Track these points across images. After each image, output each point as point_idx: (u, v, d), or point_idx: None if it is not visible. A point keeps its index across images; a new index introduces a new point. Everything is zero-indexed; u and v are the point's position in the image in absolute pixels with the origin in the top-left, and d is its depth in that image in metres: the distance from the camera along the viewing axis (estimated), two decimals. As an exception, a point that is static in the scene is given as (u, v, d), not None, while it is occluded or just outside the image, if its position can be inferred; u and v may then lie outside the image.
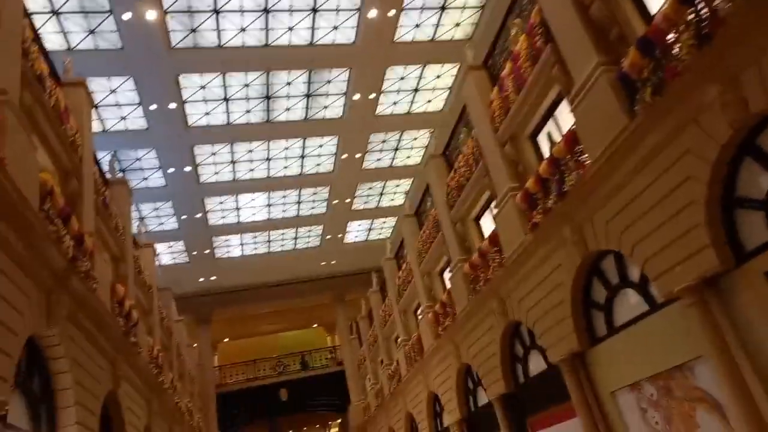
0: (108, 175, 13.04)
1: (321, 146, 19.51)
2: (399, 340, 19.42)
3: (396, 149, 20.51)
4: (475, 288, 12.29)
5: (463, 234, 13.63)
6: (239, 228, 23.02)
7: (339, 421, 46.52)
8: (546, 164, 8.86)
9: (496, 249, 11.15)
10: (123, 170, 17.64)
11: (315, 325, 33.73)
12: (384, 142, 19.90)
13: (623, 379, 8.41)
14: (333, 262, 27.73)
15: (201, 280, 26.19)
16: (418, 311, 17.97)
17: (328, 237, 25.43)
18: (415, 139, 20.26)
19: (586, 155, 8.04)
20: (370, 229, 26.02)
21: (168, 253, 23.62)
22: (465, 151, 12.54)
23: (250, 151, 18.89)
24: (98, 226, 10.02)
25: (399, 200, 23.24)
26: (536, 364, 11.07)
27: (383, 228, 26.10)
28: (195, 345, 26.48)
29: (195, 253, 23.97)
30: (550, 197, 8.98)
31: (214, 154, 18.65)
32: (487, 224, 12.97)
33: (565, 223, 8.69)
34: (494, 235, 11.22)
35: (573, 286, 8.93)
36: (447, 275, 15.52)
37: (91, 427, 7.74)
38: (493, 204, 11.79)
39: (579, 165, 8.12)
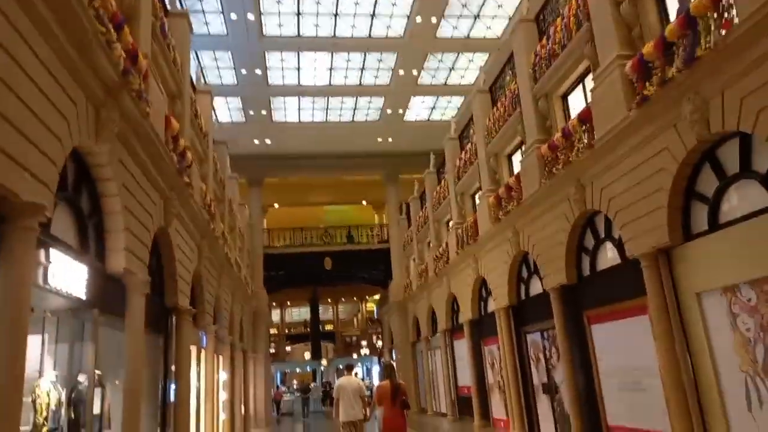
0: (168, 6, 12.05)
1: (394, 4, 17.58)
2: (451, 222, 18.84)
3: (476, 16, 18.33)
4: (550, 171, 11.17)
5: (546, 112, 12.23)
6: (298, 90, 21.99)
7: (377, 297, 48.54)
8: (677, 23, 7.26)
9: (586, 128, 9.85)
10: (183, 5, 16.49)
11: (363, 202, 33.62)
12: (464, 6, 17.75)
13: (716, 280, 7.44)
14: (390, 140, 26.72)
15: (256, 142, 25.85)
16: (477, 195, 17.09)
17: (389, 112, 24.17)
18: (500, 6, 17.97)
19: (733, 12, 6.46)
20: (433, 108, 24.51)
21: (224, 110, 23.07)
22: (565, 12, 10.78)
23: (318, 2, 17.27)
24: (154, 52, 9.22)
25: (470, 77, 21.39)
26: (607, 257, 10.20)
27: (447, 108, 24.54)
28: (246, 206, 26.86)
29: (252, 112, 23.34)
30: (671, 66, 7.49)
31: (279, 1, 17.16)
32: (577, 102, 11.52)
33: (685, 97, 7.29)
34: (586, 112, 9.85)
35: (678, 173, 7.72)
36: (517, 158, 14.37)
37: (140, 257, 7.48)
38: (590, 75, 10.31)
39: (725, 23, 6.54)
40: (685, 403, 7.80)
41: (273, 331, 47.20)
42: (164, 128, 8.51)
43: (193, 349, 12.26)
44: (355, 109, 24.05)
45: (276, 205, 32.23)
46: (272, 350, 45.85)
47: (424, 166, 24.54)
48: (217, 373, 15.46)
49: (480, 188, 16.30)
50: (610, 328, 10.11)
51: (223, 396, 16.06)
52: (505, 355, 14.16)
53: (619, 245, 9.68)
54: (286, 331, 49.64)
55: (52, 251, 5.32)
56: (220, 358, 16.17)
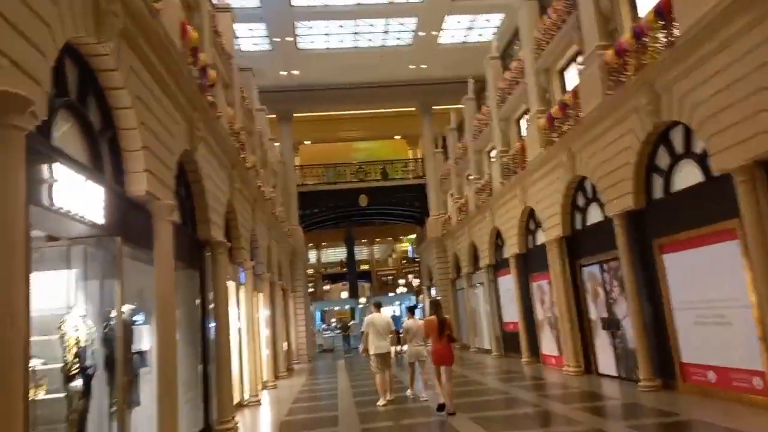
0: None
1: None
2: (494, 152, 17.59)
3: None
4: (617, 80, 9.79)
5: (609, 12, 10.69)
6: (325, 12, 20.44)
7: (411, 236, 48.01)
8: None
9: (665, 24, 8.39)
10: None
11: (397, 137, 32.32)
12: None
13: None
14: (423, 66, 25.04)
15: (283, 73, 24.62)
16: (525, 118, 15.75)
17: (422, 34, 22.42)
18: None
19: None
20: (470, 29, 22.62)
21: (249, 37, 21.79)
22: None
23: None
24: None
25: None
26: (685, 177, 8.95)
27: (485, 29, 22.60)
28: (277, 144, 26.03)
29: (277, 39, 21.96)
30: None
31: None
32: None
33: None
34: (664, 4, 8.37)
35: (792, 66, 6.38)
36: (571, 73, 12.92)
37: (164, 180, 6.72)
38: None
39: None
40: (787, 336, 6.78)
41: (310, 271, 47.64)
42: (180, 37, 7.49)
43: (231, 285, 11.77)
44: (386, 32, 22.37)
45: (307, 142, 31.31)
46: (310, 290, 46.51)
47: (460, 95, 23.04)
48: (257, 310, 15.14)
49: (527, 111, 14.94)
50: (686, 258, 9.00)
51: (265, 333, 15.81)
52: (559, 289, 13.25)
53: (702, 161, 8.42)
54: (323, 271, 49.94)
55: (57, 166, 4.50)
56: (260, 295, 15.81)
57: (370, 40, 22.78)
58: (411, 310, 10.41)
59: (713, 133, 7.69)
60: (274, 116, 26.64)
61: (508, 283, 17.90)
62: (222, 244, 10.10)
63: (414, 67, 24.92)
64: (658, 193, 9.68)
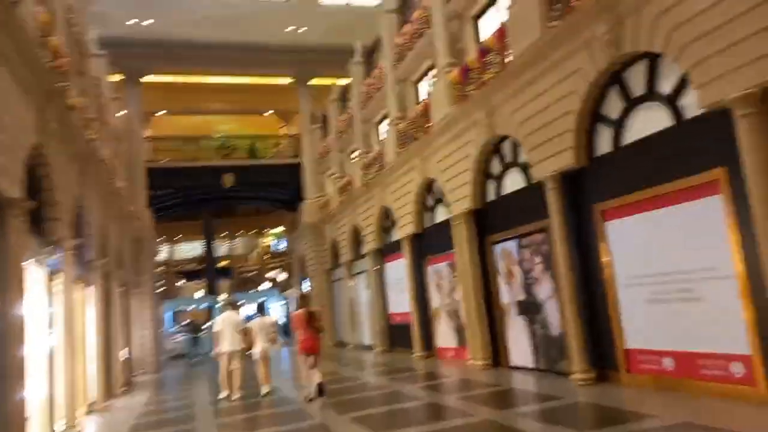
0: None
1: None
2: (388, 119, 15.49)
3: None
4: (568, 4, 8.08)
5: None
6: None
7: (278, 229, 44.69)
8: None
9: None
10: None
11: (269, 112, 28.97)
12: None
13: None
14: (302, 30, 22.31)
15: (132, 21, 20.30)
16: (426, 78, 13.83)
17: (302, -11, 19.75)
18: None
19: None
20: (357, -12, 20.40)
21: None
22: None
23: None
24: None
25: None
26: (646, 124, 7.42)
27: (374, -8, 20.52)
28: (125, 112, 21.51)
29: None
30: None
31: None
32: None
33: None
34: None
35: None
36: (495, 15, 11.18)
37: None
38: None
39: None
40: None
41: (162, 267, 42.26)
42: None
43: (38, 271, 8.21)
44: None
45: (163, 112, 26.83)
46: (161, 287, 41.08)
47: (341, 69, 20.73)
48: (83, 309, 11.43)
49: (431, 68, 13.04)
50: (638, 224, 7.52)
51: (92, 339, 12.06)
52: (465, 271, 11.45)
53: (672, 101, 6.95)
54: (178, 267, 44.73)
55: None
56: (89, 289, 12.04)
57: (241, -12, 19.53)
58: (260, 308, 11.05)
59: (698, 62, 6.16)
60: (121, 77, 22.11)
61: (397, 269, 15.94)
62: (15, 204, 6.65)
63: (292, 28, 22.05)
64: (604, 148, 8.14)
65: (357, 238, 19.61)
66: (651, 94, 7.27)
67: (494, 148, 10.79)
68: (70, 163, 9.81)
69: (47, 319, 8.66)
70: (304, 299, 9.95)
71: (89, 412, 10.75)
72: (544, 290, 9.63)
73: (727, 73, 5.79)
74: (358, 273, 19.47)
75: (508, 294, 10.73)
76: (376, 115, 17.22)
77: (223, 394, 10.49)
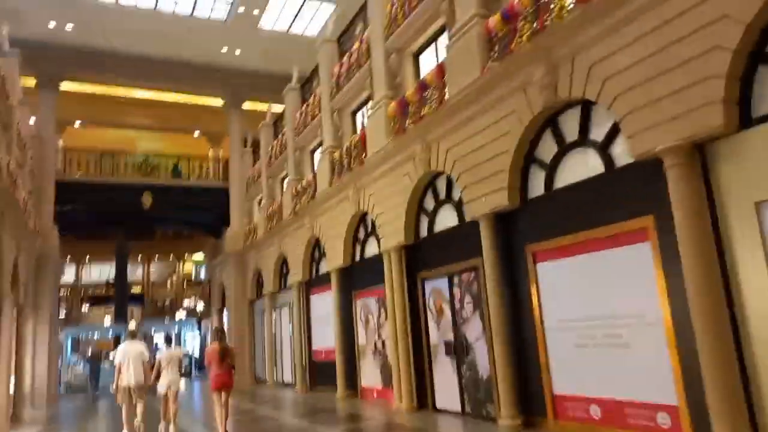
0: None
1: None
2: (321, 148, 15.11)
3: None
4: (504, 49, 8.13)
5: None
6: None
7: (197, 255, 42.58)
8: None
9: None
10: None
11: (196, 133, 27.78)
12: None
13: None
14: (237, 53, 21.71)
15: (52, 25, 18.94)
16: (364, 109, 13.66)
17: (241, 10, 19.16)
18: None
19: None
20: (297, 16, 20.12)
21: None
22: None
23: None
24: None
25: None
26: (579, 169, 7.49)
27: (315, 21, 20.35)
28: (33, 118, 19.83)
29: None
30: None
31: None
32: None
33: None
34: None
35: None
36: (436, 51, 11.19)
37: None
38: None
39: None
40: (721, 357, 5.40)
41: (66, 291, 38.95)
42: None
43: None
44: (197, -1, 18.66)
45: (78, 123, 25.04)
46: (63, 312, 37.74)
47: (275, 94, 20.31)
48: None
49: (369, 100, 12.88)
50: (569, 266, 7.51)
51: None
52: (396, 306, 11.10)
53: (604, 148, 7.05)
54: (85, 292, 41.48)
55: None
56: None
57: (176, 2, 18.73)
58: (169, 340, 10.55)
59: (630, 111, 6.28)
60: (35, 81, 20.48)
61: (323, 302, 15.36)
62: None
63: (226, 49, 21.41)
64: (537, 190, 8.15)
65: (283, 269, 18.86)
66: (584, 140, 7.36)
67: (429, 183, 10.65)
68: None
69: None
70: (218, 333, 9.61)
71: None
72: (473, 331, 9.42)
73: (657, 125, 5.91)
74: (283, 305, 18.63)
75: (437, 333, 10.45)
76: (311, 143, 16.81)
77: None
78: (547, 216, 7.87)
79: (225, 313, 24.28)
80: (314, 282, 16.22)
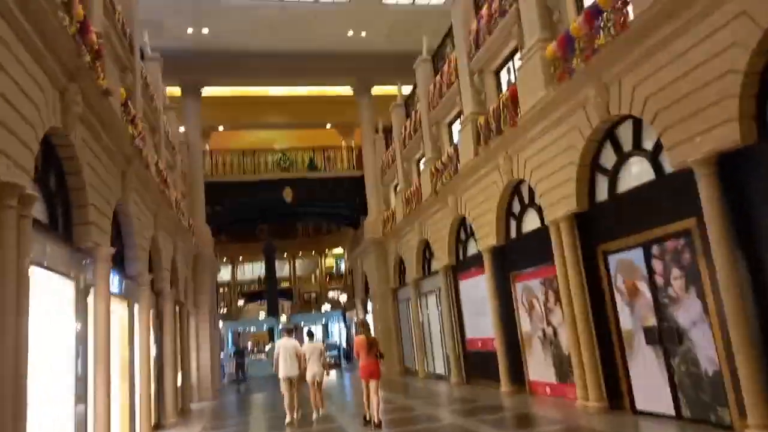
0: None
1: None
2: (463, 115, 13.58)
3: None
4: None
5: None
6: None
7: (337, 250, 43.45)
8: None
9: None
10: None
11: (328, 126, 27.75)
12: None
13: None
14: (363, 34, 20.96)
15: (189, 31, 19.60)
16: (516, 59, 11.88)
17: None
18: None
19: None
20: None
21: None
22: None
23: None
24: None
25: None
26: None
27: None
28: (182, 128, 20.82)
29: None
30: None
31: None
32: None
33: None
34: None
35: None
36: None
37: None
38: None
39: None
40: None
41: (224, 289, 41.91)
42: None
43: (61, 281, 6.85)
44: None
45: (221, 128, 26.14)
46: (224, 309, 40.60)
47: (403, 74, 19.25)
48: (127, 329, 10.21)
49: (517, 50, 11.09)
50: None
51: (138, 363, 10.72)
52: (570, 287, 9.28)
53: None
54: (239, 289, 44.42)
55: None
56: (134, 307, 10.78)
57: (300, -8, 18.37)
58: (310, 335, 11.20)
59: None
60: (179, 90, 21.53)
61: (474, 287, 13.90)
62: (15, 190, 5.19)
63: (352, 33, 20.74)
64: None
65: (426, 254, 17.71)
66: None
67: (607, 133, 8.63)
68: (105, 160, 8.50)
69: (74, 339, 7.27)
70: (363, 327, 9.91)
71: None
72: (687, 313, 7.33)
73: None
74: (429, 292, 17.48)
75: (631, 318, 8.46)
76: (448, 115, 15.35)
77: (287, 419, 10.55)
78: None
79: (368, 303, 23.83)
80: (462, 265, 14.80)
